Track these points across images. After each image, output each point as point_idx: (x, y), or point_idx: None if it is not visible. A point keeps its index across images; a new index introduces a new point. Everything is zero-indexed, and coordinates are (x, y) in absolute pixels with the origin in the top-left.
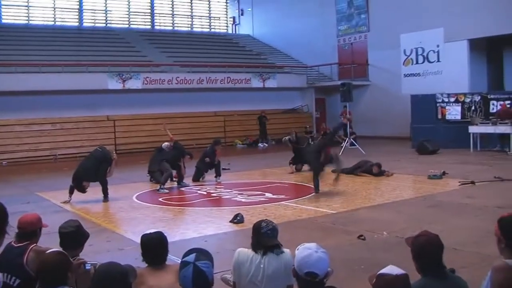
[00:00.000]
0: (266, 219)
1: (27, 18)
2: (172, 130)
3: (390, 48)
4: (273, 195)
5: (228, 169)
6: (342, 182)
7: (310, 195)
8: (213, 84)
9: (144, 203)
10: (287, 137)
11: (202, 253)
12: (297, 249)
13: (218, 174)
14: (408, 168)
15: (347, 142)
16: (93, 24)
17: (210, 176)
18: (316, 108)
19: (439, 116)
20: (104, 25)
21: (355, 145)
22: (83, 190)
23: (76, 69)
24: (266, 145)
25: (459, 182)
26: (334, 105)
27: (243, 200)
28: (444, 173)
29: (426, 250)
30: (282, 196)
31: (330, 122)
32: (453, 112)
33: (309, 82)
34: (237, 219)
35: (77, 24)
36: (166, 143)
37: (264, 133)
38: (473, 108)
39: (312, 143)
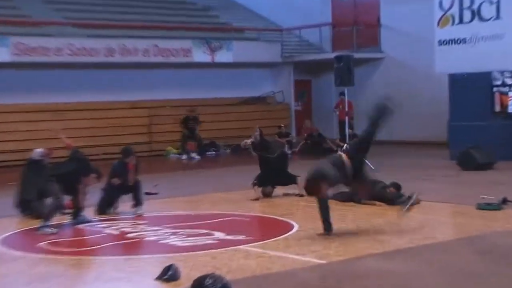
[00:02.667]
0: (212, 273)
1: None
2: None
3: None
4: (227, 235)
5: (156, 193)
6: (336, 213)
7: (287, 234)
8: (131, 57)
9: (16, 251)
10: (248, 141)
11: None
12: None
13: (137, 203)
14: (444, 192)
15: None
16: None
17: (125, 205)
18: (297, 97)
19: (497, 109)
20: None
21: None
22: None
23: None
24: (197, 157)
25: None
26: (324, 92)
27: (178, 243)
28: (505, 201)
29: None
30: (242, 237)
31: (319, 119)
32: None
33: (285, 55)
34: (169, 275)
35: None
36: (40, 150)
37: (194, 139)
38: None
39: (290, 152)
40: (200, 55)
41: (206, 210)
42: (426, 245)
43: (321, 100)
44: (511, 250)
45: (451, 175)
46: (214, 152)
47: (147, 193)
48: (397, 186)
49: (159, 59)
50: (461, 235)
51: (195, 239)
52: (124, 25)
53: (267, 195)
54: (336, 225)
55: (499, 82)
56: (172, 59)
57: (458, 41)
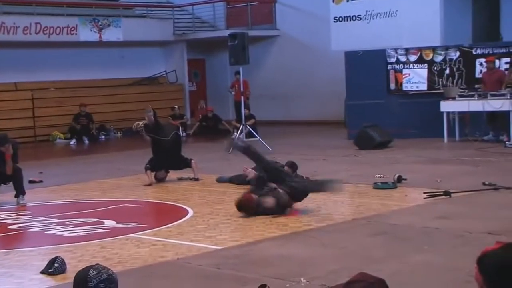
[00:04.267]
0: (96, 264)
1: None
2: None
3: None
4: (118, 223)
5: (40, 181)
6: (232, 197)
7: (182, 220)
8: (11, 36)
9: None
10: (141, 123)
11: None
12: None
13: (19, 192)
14: (340, 172)
15: (242, 131)
16: None
17: (6, 195)
18: (191, 77)
19: (392, 86)
20: None
21: (255, 136)
22: None
23: None
24: (86, 142)
25: (425, 193)
26: (219, 71)
27: (65, 234)
28: (400, 179)
29: None
30: (134, 225)
31: (214, 100)
32: (415, 79)
33: (177, 33)
34: (54, 268)
35: None
36: None
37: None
38: (447, 71)
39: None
40: (86, 34)
41: (96, 198)
42: (323, 227)
43: (216, 80)
44: (405, 230)
45: (349, 155)
46: (104, 137)
47: (31, 182)
48: (293, 166)
49: (42, 37)
50: (358, 216)
51: (83, 229)
52: (2, 0)
53: (160, 180)
54: (233, 209)
55: (393, 60)
56: (56, 38)
57: (353, 18)
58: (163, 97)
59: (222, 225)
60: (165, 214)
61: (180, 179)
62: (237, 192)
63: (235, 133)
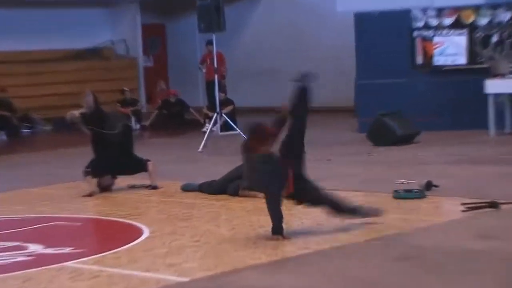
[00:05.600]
0: None
1: None
2: None
3: None
4: (48, 247)
5: None
6: (205, 211)
7: (134, 243)
8: None
9: None
10: (77, 112)
11: None
12: None
13: None
14: (351, 177)
15: (216, 122)
16: None
17: None
18: (146, 49)
19: (419, 60)
20: None
21: (233, 130)
22: None
23: None
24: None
25: (464, 204)
26: (185, 41)
27: None
28: (429, 186)
29: None
30: (68, 250)
31: (179, 80)
32: (451, 50)
33: None
34: None
35: None
36: None
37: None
38: (495, 39)
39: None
40: None
41: (18, 214)
42: (325, 251)
43: (181, 52)
44: (437, 254)
45: (360, 153)
46: (29, 130)
47: None
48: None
49: None
50: (372, 235)
51: (1, 256)
52: None
53: (105, 188)
54: (203, 227)
55: (420, 24)
56: None
57: None
58: (108, 76)
59: (189, 249)
60: (112, 234)
61: (132, 187)
62: (210, 204)
63: (207, 125)
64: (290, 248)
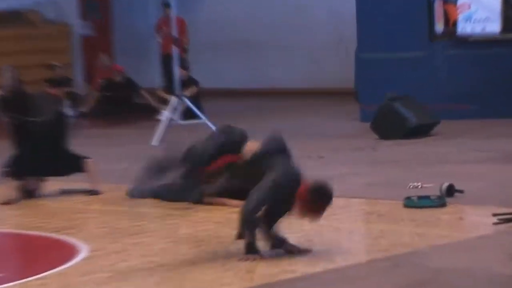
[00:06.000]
0: None
1: None
2: None
3: None
4: None
5: None
6: (165, 222)
7: (68, 265)
8: None
9: None
10: None
11: None
12: None
13: None
14: (353, 179)
15: (176, 109)
16: None
17: None
18: (84, 12)
19: (439, 28)
20: None
21: (197, 117)
22: None
23: None
24: None
25: (495, 215)
26: (135, 3)
27: None
28: (451, 191)
29: None
30: None
31: (127, 53)
32: (480, 14)
33: None
34: None
35: None
36: None
37: None
38: None
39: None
40: None
41: None
42: (317, 275)
43: (129, 17)
44: (461, 278)
45: (363, 148)
46: None
47: None
48: None
49: None
50: (378, 254)
51: None
52: None
53: (30, 193)
54: (158, 244)
55: None
56: None
57: None
58: (33, 47)
59: (140, 273)
60: (39, 254)
61: (66, 192)
62: (167, 215)
63: (164, 112)
64: (270, 271)
